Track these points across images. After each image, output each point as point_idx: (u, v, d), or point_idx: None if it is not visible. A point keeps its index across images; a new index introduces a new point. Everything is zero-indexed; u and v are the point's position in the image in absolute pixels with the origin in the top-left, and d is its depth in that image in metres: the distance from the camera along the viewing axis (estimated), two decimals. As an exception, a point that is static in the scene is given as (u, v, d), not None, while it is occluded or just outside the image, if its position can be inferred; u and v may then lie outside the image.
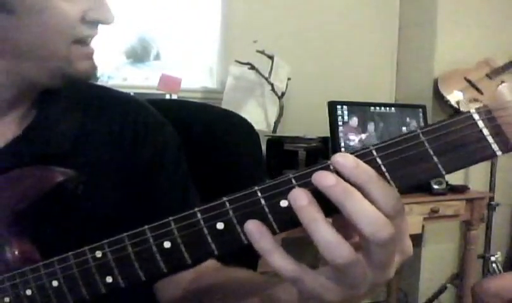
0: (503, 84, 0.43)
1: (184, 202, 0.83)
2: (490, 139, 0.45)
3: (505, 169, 3.01)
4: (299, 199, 0.47)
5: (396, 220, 0.46)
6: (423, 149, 0.46)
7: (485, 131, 0.45)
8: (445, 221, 2.70)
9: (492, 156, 0.45)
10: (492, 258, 2.85)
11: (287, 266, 0.49)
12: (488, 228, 2.86)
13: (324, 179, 0.46)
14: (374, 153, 0.47)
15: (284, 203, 0.49)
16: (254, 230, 0.49)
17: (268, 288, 0.65)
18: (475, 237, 2.72)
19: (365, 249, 0.47)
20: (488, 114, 0.45)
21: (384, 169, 0.47)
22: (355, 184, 0.46)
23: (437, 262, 3.03)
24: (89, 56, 0.74)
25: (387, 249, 0.46)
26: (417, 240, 2.89)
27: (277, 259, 0.49)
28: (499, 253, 2.91)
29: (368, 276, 0.48)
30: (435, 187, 2.53)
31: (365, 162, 0.47)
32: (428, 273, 2.99)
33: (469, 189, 2.74)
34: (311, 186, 0.47)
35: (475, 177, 3.03)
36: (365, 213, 0.45)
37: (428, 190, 2.53)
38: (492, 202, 2.85)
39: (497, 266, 2.85)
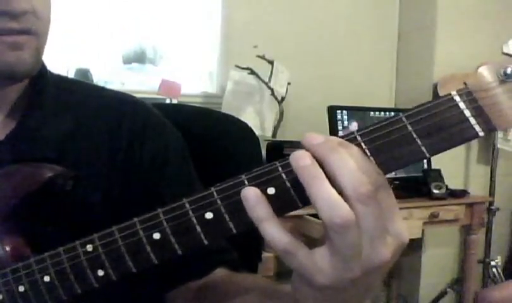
0: (483, 66, 0.43)
1: None
2: (472, 121, 0.45)
3: (505, 174, 3.00)
4: (302, 159, 0.46)
5: (379, 195, 0.46)
6: (406, 132, 0.47)
7: (467, 113, 0.45)
8: (445, 226, 2.68)
9: (475, 137, 0.45)
10: (492, 263, 2.84)
11: (281, 237, 0.47)
12: (488, 232, 2.85)
13: (297, 160, 0.47)
14: (358, 138, 0.47)
15: (271, 191, 0.48)
16: (250, 195, 0.48)
17: (275, 292, 0.63)
18: (475, 241, 2.71)
19: (326, 238, 0.47)
20: (469, 96, 0.45)
21: (368, 153, 0.47)
22: (321, 160, 0.46)
23: (437, 267, 3.01)
24: (14, 46, 0.67)
25: (347, 236, 0.45)
26: (417, 244, 2.88)
27: (271, 228, 0.47)
28: (499, 258, 2.91)
29: (363, 250, 0.46)
30: (435, 191, 2.51)
31: None
32: (428, 278, 2.98)
33: (469, 193, 2.73)
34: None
35: (474, 181, 3.03)
36: (321, 196, 0.45)
37: (428, 195, 2.52)
38: (491, 207, 2.84)
39: (497, 270, 2.84)
